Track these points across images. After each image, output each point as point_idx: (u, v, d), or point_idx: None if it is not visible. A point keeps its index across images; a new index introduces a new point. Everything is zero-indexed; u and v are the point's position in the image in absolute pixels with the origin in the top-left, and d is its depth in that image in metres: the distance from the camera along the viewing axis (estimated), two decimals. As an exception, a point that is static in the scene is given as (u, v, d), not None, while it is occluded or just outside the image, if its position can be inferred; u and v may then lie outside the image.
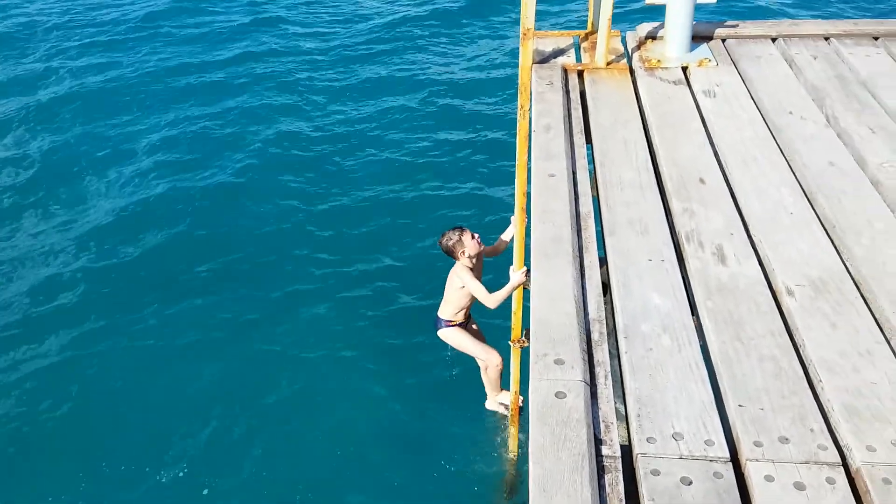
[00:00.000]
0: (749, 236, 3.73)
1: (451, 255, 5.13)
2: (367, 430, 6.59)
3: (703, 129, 4.63)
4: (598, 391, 2.92)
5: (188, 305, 7.94)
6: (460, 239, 5.07)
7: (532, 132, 4.63)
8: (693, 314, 3.30)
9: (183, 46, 13.41)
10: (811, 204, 3.94)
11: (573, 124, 4.76)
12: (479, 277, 5.14)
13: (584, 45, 5.70)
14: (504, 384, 5.61)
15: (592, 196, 4.19)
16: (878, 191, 3.99)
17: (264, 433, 6.58)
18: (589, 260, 3.61)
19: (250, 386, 7.01)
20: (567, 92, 5.11)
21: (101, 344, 7.50)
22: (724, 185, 4.11)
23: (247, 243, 8.76)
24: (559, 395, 2.81)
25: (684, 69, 5.28)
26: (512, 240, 4.90)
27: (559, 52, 5.55)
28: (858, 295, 3.32)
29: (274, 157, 10.19)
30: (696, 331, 3.19)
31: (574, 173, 4.28)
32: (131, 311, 7.87)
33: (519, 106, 5.44)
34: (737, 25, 5.69)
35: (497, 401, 5.81)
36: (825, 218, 3.83)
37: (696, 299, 3.37)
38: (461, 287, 5.18)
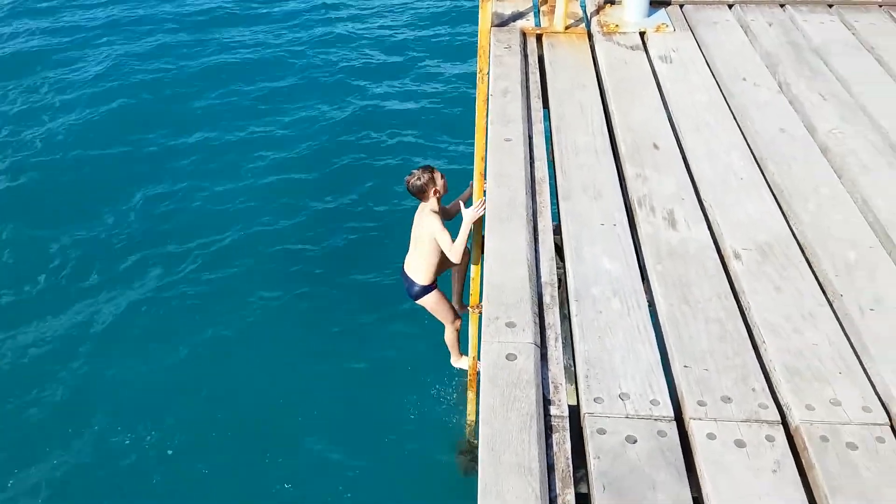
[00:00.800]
0: (700, 201, 3.78)
1: (419, 196, 4.99)
2: (325, 413, 6.61)
3: (658, 94, 4.66)
4: (549, 353, 2.97)
5: (143, 291, 7.86)
6: (431, 177, 4.94)
7: (490, 96, 4.62)
8: (643, 278, 3.35)
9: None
10: (761, 169, 4.01)
11: (531, 88, 4.76)
12: None
13: (543, 8, 5.68)
14: (463, 349, 5.66)
15: (548, 160, 4.21)
16: (827, 157, 4.06)
17: (221, 422, 6.58)
18: (543, 224, 3.64)
19: (205, 373, 6.98)
20: (525, 56, 5.10)
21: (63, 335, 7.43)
22: (677, 149, 4.16)
23: (204, 228, 8.68)
24: (510, 357, 2.85)
25: (642, 34, 5.30)
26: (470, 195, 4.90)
27: (518, 16, 5.53)
28: (803, 259, 3.40)
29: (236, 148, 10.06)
30: (646, 294, 3.25)
31: (530, 137, 4.29)
32: (87, 297, 7.79)
33: (478, 69, 5.42)
34: (694, -9, 5.71)
35: (458, 365, 5.87)
36: (774, 183, 3.90)
37: (646, 264, 3.43)
38: (431, 239, 5.06)
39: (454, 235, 4.76)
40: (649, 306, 3.18)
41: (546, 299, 3.22)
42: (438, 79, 11.21)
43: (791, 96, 4.60)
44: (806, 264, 3.37)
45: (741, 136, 4.26)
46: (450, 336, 5.64)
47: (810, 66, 4.85)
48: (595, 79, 4.85)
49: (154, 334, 7.35)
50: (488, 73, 4.87)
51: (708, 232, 3.57)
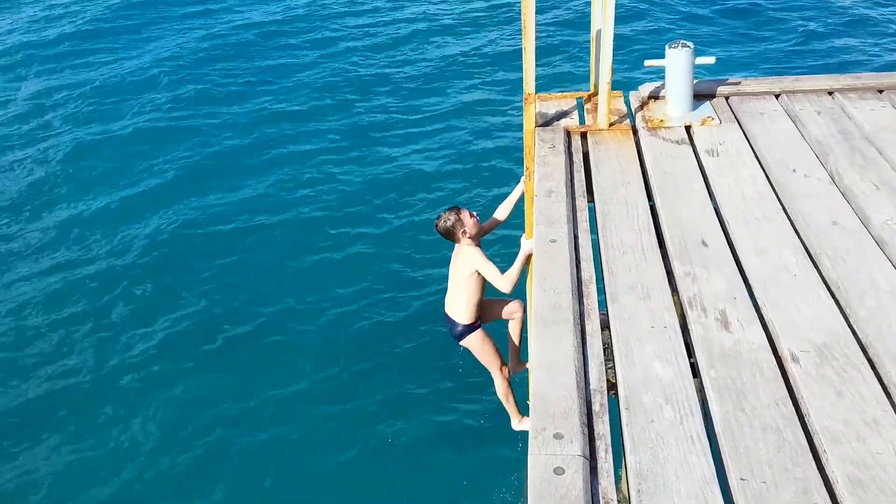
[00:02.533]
0: (752, 300, 3.69)
1: (450, 238, 5.00)
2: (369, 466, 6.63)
3: (705, 188, 4.63)
4: (598, 465, 2.88)
5: (182, 321, 8.11)
6: (459, 218, 4.95)
7: (535, 197, 4.65)
8: (696, 382, 3.26)
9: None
10: (815, 264, 3.91)
11: (575, 187, 4.78)
12: None
13: (587, 106, 5.75)
14: (523, 409, 5.50)
15: (595, 260, 4.18)
16: (883, 249, 3.95)
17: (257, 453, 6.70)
18: (591, 327, 3.59)
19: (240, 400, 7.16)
20: (570, 154, 5.14)
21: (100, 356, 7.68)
22: (727, 246, 4.09)
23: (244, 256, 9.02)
24: (557, 470, 2.77)
25: (687, 128, 5.30)
26: (520, 207, 4.84)
27: (562, 115, 5.60)
28: (864, 360, 3.26)
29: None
30: (699, 400, 3.15)
31: (576, 237, 4.28)
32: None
33: (525, 168, 5.50)
34: (739, 83, 5.72)
35: (519, 428, 5.69)
36: (829, 279, 3.79)
37: (699, 367, 3.33)
38: (472, 273, 4.99)
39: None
40: (703, 415, 3.08)
41: (595, 407, 3.14)
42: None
43: (843, 187, 4.51)
44: (867, 365, 3.23)
45: (792, 230, 4.18)
46: (500, 388, 5.49)
47: (862, 155, 4.78)
48: (640, 175, 4.84)
49: (194, 366, 7.53)
50: (534, 173, 4.93)
51: (763, 333, 3.46)
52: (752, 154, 4.93)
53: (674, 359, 3.33)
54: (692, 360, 3.38)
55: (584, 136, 5.38)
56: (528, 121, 5.41)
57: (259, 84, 12.71)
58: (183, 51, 13.82)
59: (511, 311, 5.46)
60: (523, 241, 4.78)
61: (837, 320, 3.50)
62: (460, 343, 5.33)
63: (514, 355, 5.63)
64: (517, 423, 5.70)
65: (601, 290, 3.90)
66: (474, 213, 5.06)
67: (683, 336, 3.50)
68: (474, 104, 12.23)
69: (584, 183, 4.85)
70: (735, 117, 5.38)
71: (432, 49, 14.00)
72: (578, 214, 4.51)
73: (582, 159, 5.13)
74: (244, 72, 13.07)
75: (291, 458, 6.87)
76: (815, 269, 3.86)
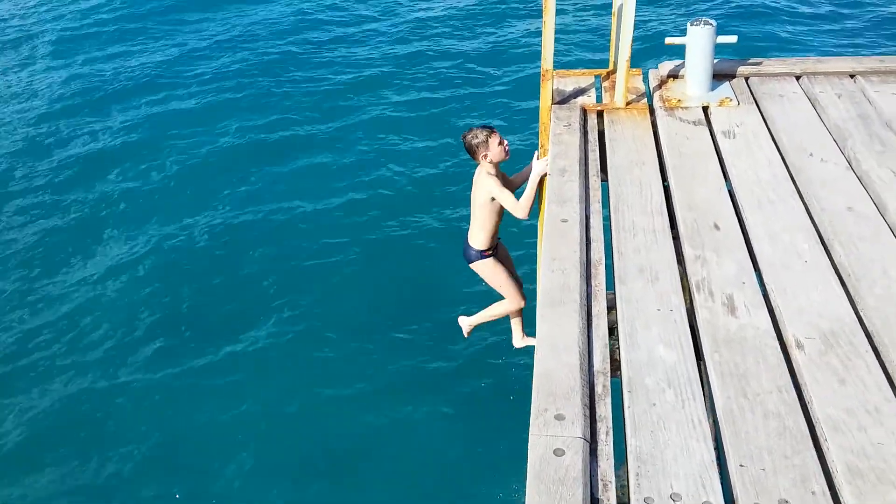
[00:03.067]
0: (761, 285, 3.69)
1: (471, 154, 5.03)
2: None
3: (720, 171, 4.60)
4: (598, 448, 2.91)
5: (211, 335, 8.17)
6: (486, 140, 4.95)
7: (548, 175, 4.64)
8: (699, 366, 3.27)
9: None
10: (827, 251, 3.88)
11: (589, 166, 4.76)
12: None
13: (605, 84, 5.70)
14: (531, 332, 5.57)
15: (605, 240, 4.18)
16: (897, 237, 3.92)
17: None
18: (597, 309, 3.60)
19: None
20: (585, 133, 5.12)
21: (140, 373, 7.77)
22: (739, 230, 4.07)
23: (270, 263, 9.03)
24: (557, 452, 2.80)
25: (705, 109, 5.26)
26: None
27: (580, 92, 5.56)
28: (870, 348, 3.26)
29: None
30: (701, 384, 3.16)
31: (587, 217, 4.28)
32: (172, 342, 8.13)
33: (539, 145, 5.48)
34: (760, 63, 5.65)
35: (520, 345, 5.81)
36: (840, 265, 3.77)
37: (703, 351, 3.34)
38: (490, 200, 5.03)
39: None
40: (705, 398, 3.09)
41: (598, 389, 3.16)
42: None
43: (860, 172, 4.47)
44: (872, 354, 3.23)
45: (807, 216, 4.15)
46: (513, 313, 5.54)
47: (881, 140, 4.72)
48: (656, 155, 4.82)
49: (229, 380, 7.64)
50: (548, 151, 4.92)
51: (769, 318, 3.46)
52: (769, 137, 4.88)
53: (678, 342, 3.34)
54: (697, 344, 3.39)
55: (600, 114, 5.34)
56: (545, 97, 5.39)
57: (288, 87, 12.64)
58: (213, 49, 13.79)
59: (515, 303, 5.52)
60: (535, 161, 4.82)
61: (845, 307, 3.49)
62: (471, 266, 5.38)
63: (520, 327, 5.70)
64: (518, 340, 5.82)
65: (610, 271, 3.91)
66: (505, 142, 5.04)
67: (689, 320, 3.51)
68: (492, 94, 12.20)
69: (599, 162, 4.84)
70: (754, 99, 5.32)
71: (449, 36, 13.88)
72: (591, 194, 4.50)
73: (597, 138, 5.10)
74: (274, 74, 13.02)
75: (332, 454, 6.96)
76: (826, 255, 3.84)
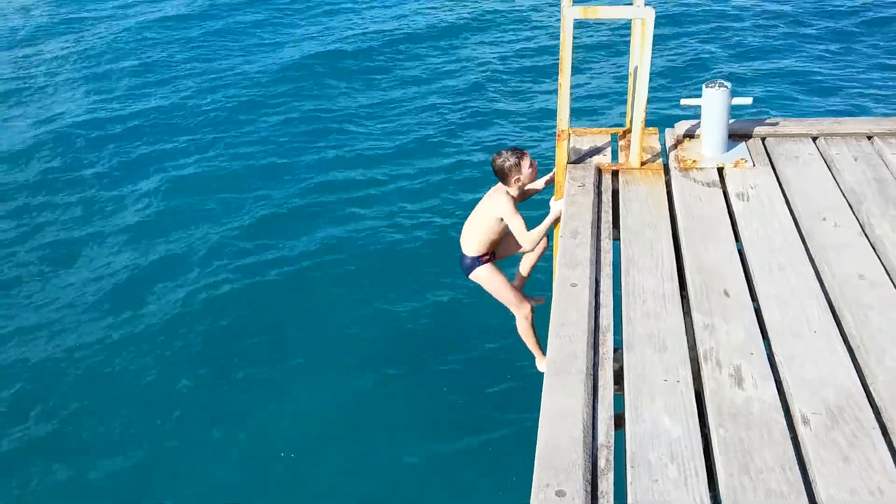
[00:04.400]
0: (769, 356, 3.68)
1: (500, 178, 5.03)
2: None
3: (732, 235, 4.61)
4: (599, 524, 2.91)
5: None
6: (519, 163, 4.96)
7: (560, 237, 4.69)
8: (703, 439, 3.27)
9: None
10: (837, 320, 3.87)
11: (602, 228, 4.80)
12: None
13: (621, 143, 5.76)
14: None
15: (615, 305, 4.21)
16: (909, 307, 3.90)
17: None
18: (604, 379, 3.62)
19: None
20: (599, 193, 5.17)
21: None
22: (749, 297, 4.08)
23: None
24: (557, 528, 2.81)
25: (720, 170, 5.28)
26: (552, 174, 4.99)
27: (595, 151, 5.62)
28: (876, 424, 3.23)
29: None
30: (705, 458, 3.16)
31: (597, 281, 4.31)
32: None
33: (555, 188, 5.52)
34: (777, 123, 5.68)
35: (544, 368, 5.73)
36: (850, 335, 3.76)
37: (709, 424, 3.34)
38: (499, 219, 5.04)
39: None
40: (708, 474, 3.09)
41: (601, 463, 3.17)
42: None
43: (874, 238, 4.46)
44: (879, 431, 3.20)
45: (817, 282, 4.14)
46: (522, 327, 5.46)
47: (896, 205, 4.71)
48: (668, 217, 4.85)
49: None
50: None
51: (776, 391, 3.45)
52: (783, 200, 4.89)
53: (683, 415, 3.35)
54: (703, 416, 3.39)
55: (615, 173, 5.39)
56: (561, 157, 5.45)
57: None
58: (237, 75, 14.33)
59: (519, 308, 5.43)
60: (552, 203, 4.87)
61: (854, 381, 3.47)
62: (469, 277, 5.36)
63: (518, 287, 5.64)
64: (541, 364, 5.70)
65: (619, 332, 3.93)
66: (535, 163, 5.07)
67: (696, 390, 3.51)
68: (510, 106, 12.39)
69: (611, 223, 4.88)
70: (769, 160, 5.34)
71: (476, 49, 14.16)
72: (602, 257, 4.53)
73: (611, 198, 5.15)
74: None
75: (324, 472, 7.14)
76: (836, 324, 3.83)
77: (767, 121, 5.72)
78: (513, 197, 5.07)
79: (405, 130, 12.07)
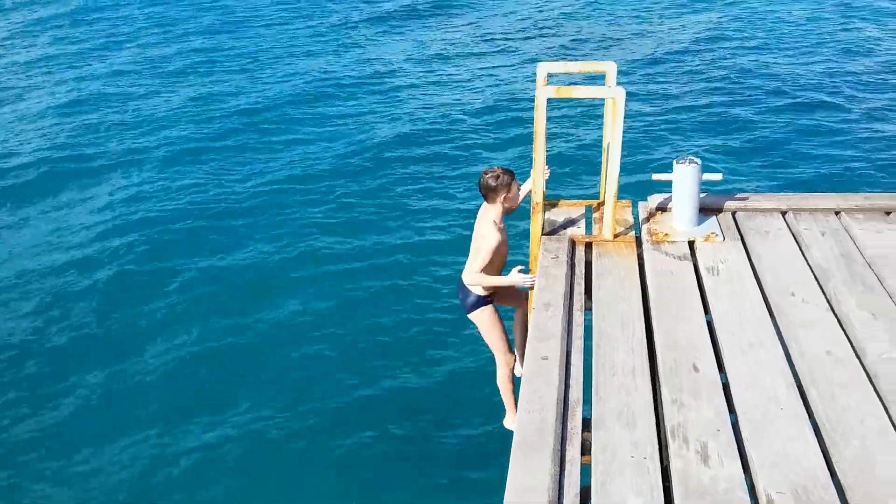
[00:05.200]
0: (736, 433, 3.69)
1: (485, 196, 5.00)
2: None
3: (702, 309, 4.66)
4: None
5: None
6: (509, 184, 4.95)
7: (532, 309, 4.73)
8: (670, 519, 3.26)
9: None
10: (804, 397, 3.90)
11: (574, 301, 4.85)
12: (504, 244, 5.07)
13: (595, 215, 5.84)
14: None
15: (585, 378, 4.22)
16: (875, 385, 3.93)
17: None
18: (571, 454, 3.61)
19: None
20: (573, 265, 5.22)
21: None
22: (718, 372, 4.11)
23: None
24: None
25: (691, 244, 5.36)
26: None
27: (570, 223, 5.70)
28: (841, 505, 3.24)
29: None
30: (671, 539, 3.14)
31: (568, 354, 4.33)
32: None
33: (529, 271, 5.57)
34: (747, 198, 5.79)
35: (512, 426, 5.62)
36: (817, 414, 3.78)
37: (675, 502, 3.33)
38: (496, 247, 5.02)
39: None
40: (672, 556, 3.07)
41: (566, 541, 3.15)
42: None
43: (841, 314, 4.52)
44: (844, 512, 3.21)
45: (785, 359, 4.18)
46: (501, 377, 5.41)
47: (863, 281, 4.79)
48: (640, 291, 4.90)
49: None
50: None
51: (741, 469, 3.45)
52: (753, 275, 4.96)
53: (650, 493, 3.34)
54: (669, 493, 3.39)
55: (589, 245, 5.46)
56: (535, 228, 5.52)
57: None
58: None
59: (498, 356, 5.43)
60: (514, 272, 4.94)
61: (819, 460, 3.48)
62: (468, 316, 5.32)
63: (521, 347, 5.58)
64: (510, 422, 5.59)
65: (590, 406, 3.93)
66: (522, 188, 5.09)
67: (663, 467, 3.51)
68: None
69: (584, 295, 4.92)
70: (740, 234, 5.43)
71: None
72: (574, 330, 4.56)
73: (584, 270, 5.20)
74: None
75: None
76: (803, 403, 3.85)
77: (738, 195, 5.83)
78: (500, 228, 5.05)
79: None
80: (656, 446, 3.62)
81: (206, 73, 16.47)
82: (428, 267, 10.05)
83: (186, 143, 13.48)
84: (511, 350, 5.51)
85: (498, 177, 5.01)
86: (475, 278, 4.98)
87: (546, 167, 5.26)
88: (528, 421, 3.74)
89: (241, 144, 13.47)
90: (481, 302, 5.28)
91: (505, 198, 5.04)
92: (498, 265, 5.23)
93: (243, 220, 11.25)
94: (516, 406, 5.50)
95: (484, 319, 5.33)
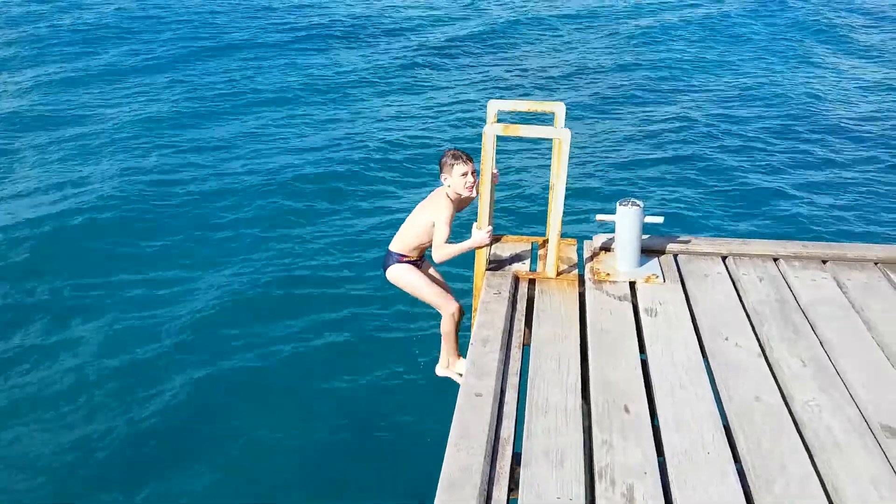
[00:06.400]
0: (663, 477, 3.71)
1: (440, 169, 5.09)
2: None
3: (638, 350, 4.70)
4: None
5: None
6: (452, 166, 5.01)
7: (471, 344, 4.73)
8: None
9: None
10: (731, 442, 3.94)
11: (513, 337, 4.86)
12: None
13: (541, 252, 5.89)
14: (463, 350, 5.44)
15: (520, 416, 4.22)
16: (801, 432, 3.99)
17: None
18: (498, 493, 3.60)
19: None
20: (514, 301, 5.24)
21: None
22: (648, 415, 4.14)
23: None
24: None
25: (632, 284, 5.42)
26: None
27: (515, 259, 5.74)
28: (760, 553, 3.27)
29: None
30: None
31: (503, 392, 4.33)
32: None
33: (473, 309, 5.59)
34: (689, 241, 5.88)
35: (452, 369, 5.60)
36: (743, 459, 3.82)
37: (597, 545, 3.34)
38: (431, 223, 5.06)
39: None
40: None
41: (485, 583, 3.13)
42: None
43: (772, 360, 4.59)
44: (762, 560, 3.23)
45: (715, 403, 4.23)
46: (447, 327, 5.41)
47: (795, 328, 4.88)
48: (579, 330, 4.93)
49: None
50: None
51: (665, 514, 3.47)
52: (690, 317, 5.03)
53: (573, 536, 3.34)
54: (593, 537, 3.39)
55: (532, 282, 5.49)
56: (480, 263, 5.54)
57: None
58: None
59: (445, 304, 5.41)
60: (474, 229, 4.97)
61: (741, 506, 3.51)
62: (387, 277, 5.34)
63: (452, 350, 5.63)
64: (442, 369, 5.69)
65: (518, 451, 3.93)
66: (471, 181, 5.09)
67: (589, 510, 3.52)
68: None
69: (523, 333, 4.94)
70: (680, 276, 5.51)
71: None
72: (510, 366, 4.57)
73: (526, 307, 5.23)
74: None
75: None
76: (729, 448, 3.89)
77: (681, 238, 5.92)
78: (451, 202, 5.11)
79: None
80: (583, 487, 3.62)
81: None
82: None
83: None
84: (451, 297, 5.50)
85: (453, 157, 5.11)
86: (444, 252, 5.01)
87: (495, 171, 5.25)
88: (455, 459, 3.72)
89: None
90: (394, 258, 5.33)
91: (444, 178, 5.13)
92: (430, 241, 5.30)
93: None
94: (458, 354, 5.56)
95: (397, 275, 5.34)
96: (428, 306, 5.58)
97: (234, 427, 7.95)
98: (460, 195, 5.23)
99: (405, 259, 5.36)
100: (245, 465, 7.53)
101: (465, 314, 5.59)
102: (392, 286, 5.57)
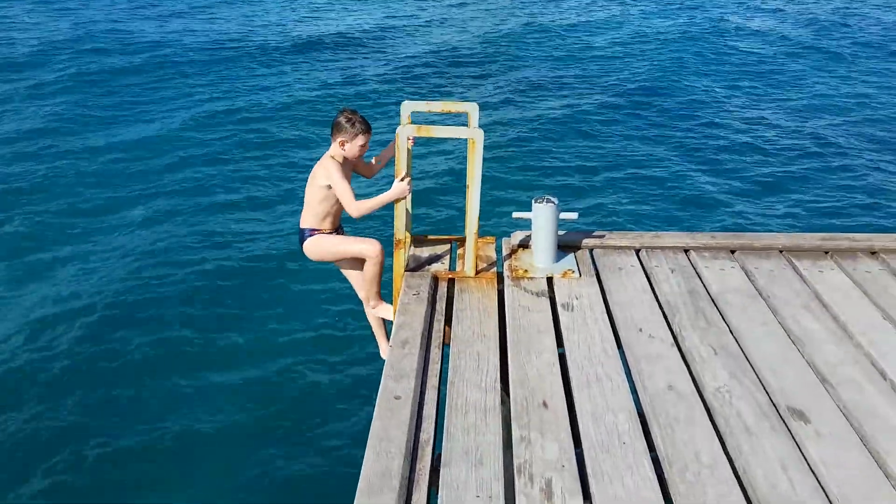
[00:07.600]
0: (580, 469, 3.76)
1: (332, 132, 4.97)
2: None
3: (555, 345, 4.76)
4: None
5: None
6: (356, 134, 4.91)
7: (389, 347, 4.71)
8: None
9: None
10: (646, 432, 4.03)
11: (433, 338, 4.86)
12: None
13: (460, 251, 5.91)
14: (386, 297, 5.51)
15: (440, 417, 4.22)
16: (712, 418, 4.10)
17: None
18: (417, 496, 3.59)
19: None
20: (434, 302, 5.25)
21: None
22: (566, 409, 4.19)
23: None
24: None
25: (549, 280, 5.49)
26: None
27: (434, 259, 5.74)
28: (674, 541, 3.34)
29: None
30: (510, 580, 3.16)
31: (423, 393, 4.33)
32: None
33: (394, 311, 5.56)
34: (604, 236, 5.98)
35: (376, 313, 5.58)
36: (658, 448, 3.91)
37: (517, 542, 3.36)
38: (326, 186, 4.92)
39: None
40: None
41: (406, 587, 3.12)
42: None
43: (684, 349, 4.71)
44: (676, 547, 3.31)
45: (631, 394, 4.31)
46: (371, 272, 5.38)
47: (706, 317, 5.01)
48: (497, 327, 4.96)
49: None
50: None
51: (583, 506, 3.52)
52: (605, 310, 5.11)
53: (492, 534, 3.35)
54: (513, 534, 3.41)
55: (451, 282, 5.50)
56: (398, 265, 5.52)
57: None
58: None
59: (368, 249, 5.33)
60: (395, 182, 4.93)
61: (657, 495, 3.58)
62: (306, 253, 5.27)
63: (374, 293, 5.61)
64: (371, 307, 5.72)
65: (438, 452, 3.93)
66: (366, 144, 5.03)
67: (508, 507, 3.54)
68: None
69: (443, 333, 4.94)
70: (595, 271, 5.60)
71: None
72: (430, 368, 4.57)
73: (445, 307, 5.23)
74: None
75: None
76: (643, 438, 3.97)
77: (596, 233, 6.02)
78: (339, 163, 5.03)
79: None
80: (502, 485, 3.64)
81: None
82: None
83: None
84: (373, 241, 5.44)
85: (346, 119, 5.01)
86: (361, 207, 4.92)
87: (411, 139, 5.18)
88: (374, 463, 3.70)
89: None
90: (307, 234, 5.27)
91: (342, 142, 5.05)
92: (336, 202, 5.21)
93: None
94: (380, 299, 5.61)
95: (317, 247, 5.29)
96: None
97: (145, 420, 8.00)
98: (352, 156, 5.17)
99: (318, 232, 5.32)
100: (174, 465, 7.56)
101: (387, 256, 5.47)
102: (314, 263, 5.51)
